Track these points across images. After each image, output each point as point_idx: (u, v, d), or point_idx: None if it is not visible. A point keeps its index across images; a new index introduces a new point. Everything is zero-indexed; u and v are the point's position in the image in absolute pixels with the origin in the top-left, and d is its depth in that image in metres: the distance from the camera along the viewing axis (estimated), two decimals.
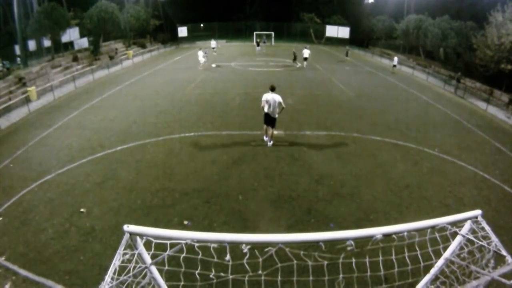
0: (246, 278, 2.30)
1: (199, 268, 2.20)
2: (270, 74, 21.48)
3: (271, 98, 9.12)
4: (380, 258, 2.48)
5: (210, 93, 16.12)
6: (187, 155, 9.25)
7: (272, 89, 9.23)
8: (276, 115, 9.33)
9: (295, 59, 25.47)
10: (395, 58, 25.09)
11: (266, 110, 9.26)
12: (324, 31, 42.13)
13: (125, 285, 2.08)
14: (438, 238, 2.39)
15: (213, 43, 33.34)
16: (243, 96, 15.49)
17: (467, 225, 2.39)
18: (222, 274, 2.39)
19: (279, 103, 9.16)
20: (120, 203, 6.91)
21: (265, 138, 9.95)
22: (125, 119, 12.27)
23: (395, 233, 2.09)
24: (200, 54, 23.14)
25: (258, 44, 34.64)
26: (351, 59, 29.89)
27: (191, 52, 34.29)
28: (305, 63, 23.92)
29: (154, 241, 2.08)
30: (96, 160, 8.95)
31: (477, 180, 8.34)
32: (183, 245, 2.00)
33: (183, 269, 2.40)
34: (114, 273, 1.98)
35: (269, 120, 9.38)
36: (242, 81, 19.21)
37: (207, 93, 16.22)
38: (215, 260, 2.18)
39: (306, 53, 23.41)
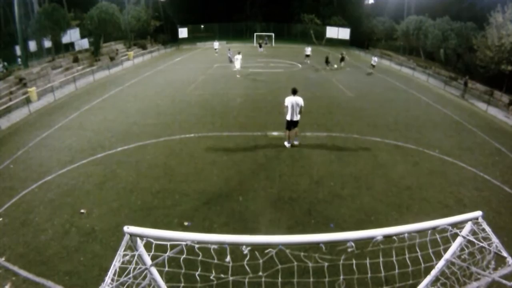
0: (247, 280, 2.30)
1: (199, 269, 2.20)
2: (271, 75, 21.50)
3: (294, 101, 9.05)
4: (381, 259, 2.48)
5: (211, 94, 16.13)
6: (187, 156, 9.25)
7: (294, 92, 9.13)
8: (298, 117, 9.32)
9: (327, 61, 25.06)
10: (374, 58, 24.15)
11: (288, 116, 9.19)
12: (324, 32, 42.16)
13: (125, 286, 2.08)
14: (438, 239, 2.39)
15: (215, 44, 32.41)
16: (244, 97, 15.50)
17: (468, 226, 2.39)
18: (222, 275, 2.39)
19: (301, 106, 9.15)
20: (120, 204, 6.91)
21: (286, 144, 9.80)
22: (126, 120, 12.28)
23: (396, 235, 2.09)
24: (238, 58, 20.48)
25: (260, 46, 34.05)
26: (349, 61, 27.82)
27: (191, 53, 34.35)
28: (307, 60, 26.59)
29: (154, 242, 2.08)
30: (97, 161, 8.95)
31: (477, 181, 8.33)
32: (183, 246, 1.99)
33: (183, 271, 2.39)
34: (114, 274, 1.98)
35: (292, 123, 9.40)
36: (242, 82, 19.22)
37: (208, 94, 16.23)
38: (216, 261, 2.18)
39: (308, 51, 26.59)
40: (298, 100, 9.09)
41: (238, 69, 20.50)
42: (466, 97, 18.23)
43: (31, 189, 7.51)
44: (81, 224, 6.23)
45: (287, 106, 9.07)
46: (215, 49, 31.60)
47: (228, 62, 22.26)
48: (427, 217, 6.10)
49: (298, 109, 9.12)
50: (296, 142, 9.85)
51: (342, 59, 25.16)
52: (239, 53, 21.42)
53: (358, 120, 12.68)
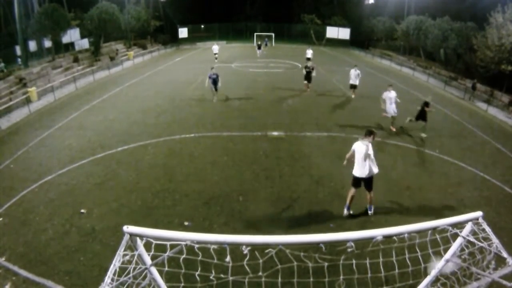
0: (246, 280, 2.30)
1: (199, 269, 2.20)
2: (271, 75, 21.49)
3: (364, 147, 5.94)
4: (381, 259, 2.48)
5: (211, 94, 16.10)
6: (187, 156, 9.25)
7: (370, 134, 6.06)
8: (375, 171, 6.13)
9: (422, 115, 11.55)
10: (354, 72, 15.02)
11: (357, 171, 6.16)
12: (324, 32, 42.17)
13: (125, 286, 2.08)
14: (438, 239, 2.39)
15: (215, 48, 26.93)
16: (244, 97, 15.49)
17: (468, 227, 2.39)
18: (222, 275, 2.38)
19: (365, 154, 5.94)
20: (120, 203, 6.91)
21: (345, 212, 6.56)
22: (126, 120, 12.28)
23: (396, 235, 2.09)
24: (354, 72, 14.59)
25: (259, 47, 30.70)
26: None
27: (191, 53, 34.34)
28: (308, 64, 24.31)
29: (154, 242, 2.08)
30: (97, 160, 8.95)
31: (477, 181, 8.32)
32: (183, 246, 1.99)
33: (183, 270, 2.39)
34: (114, 274, 1.98)
35: (364, 182, 6.28)
36: (242, 82, 19.21)
37: (208, 94, 16.20)
38: (215, 261, 2.18)
39: (309, 53, 24.00)
40: (364, 148, 5.97)
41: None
42: (476, 102, 17.61)
43: (31, 189, 7.50)
44: (81, 224, 6.23)
45: (352, 153, 6.25)
46: (215, 53, 26.74)
47: (209, 87, 14.30)
48: (427, 217, 6.09)
49: (370, 160, 6.03)
50: (370, 212, 6.57)
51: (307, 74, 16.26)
52: (355, 67, 15.02)
53: (358, 120, 12.67)
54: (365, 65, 27.91)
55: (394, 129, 11.56)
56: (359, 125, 12.02)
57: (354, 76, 15.20)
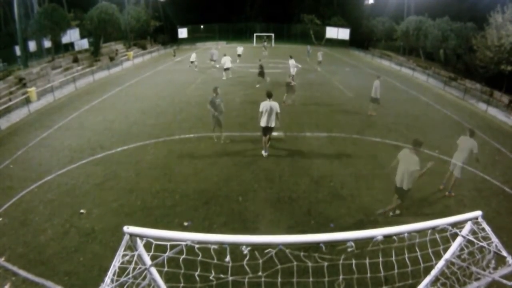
0: (246, 280, 2.30)
1: (198, 269, 2.20)
2: (270, 75, 21.45)
3: (407, 158, 6.05)
4: (380, 259, 2.48)
5: (211, 94, 16.10)
6: (187, 156, 9.25)
7: (416, 144, 6.15)
8: (409, 186, 6.11)
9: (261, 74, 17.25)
10: (376, 84, 13.07)
11: (396, 177, 6.32)
12: (324, 33, 42.21)
13: (125, 286, 2.08)
14: (438, 239, 2.39)
15: (213, 52, 23.10)
16: (243, 97, 15.50)
17: (468, 226, 2.39)
18: (222, 275, 2.38)
19: (412, 171, 5.89)
20: (120, 204, 6.91)
21: (380, 210, 6.66)
22: (125, 120, 12.27)
23: (396, 234, 2.09)
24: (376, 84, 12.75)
25: (265, 48, 31.33)
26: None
27: (191, 53, 34.28)
28: (319, 67, 24.45)
29: (154, 242, 2.07)
30: (96, 161, 8.95)
31: (477, 181, 8.33)
32: (183, 246, 1.99)
33: (182, 271, 2.39)
34: (114, 274, 1.97)
35: (397, 190, 6.38)
36: (242, 82, 19.22)
37: (208, 94, 16.17)
38: (215, 261, 2.17)
39: (320, 56, 24.14)
40: (411, 159, 5.96)
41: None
42: (482, 106, 16.81)
43: (30, 189, 7.50)
44: (81, 224, 6.22)
45: (397, 162, 6.34)
46: (213, 60, 22.85)
47: (211, 120, 9.95)
48: (427, 217, 6.08)
49: (408, 173, 6.01)
50: (378, 212, 6.63)
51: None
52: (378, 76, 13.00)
53: (357, 120, 12.68)
54: (364, 65, 27.95)
55: (448, 192, 7.59)
56: (358, 125, 12.03)
57: (376, 88, 12.87)
